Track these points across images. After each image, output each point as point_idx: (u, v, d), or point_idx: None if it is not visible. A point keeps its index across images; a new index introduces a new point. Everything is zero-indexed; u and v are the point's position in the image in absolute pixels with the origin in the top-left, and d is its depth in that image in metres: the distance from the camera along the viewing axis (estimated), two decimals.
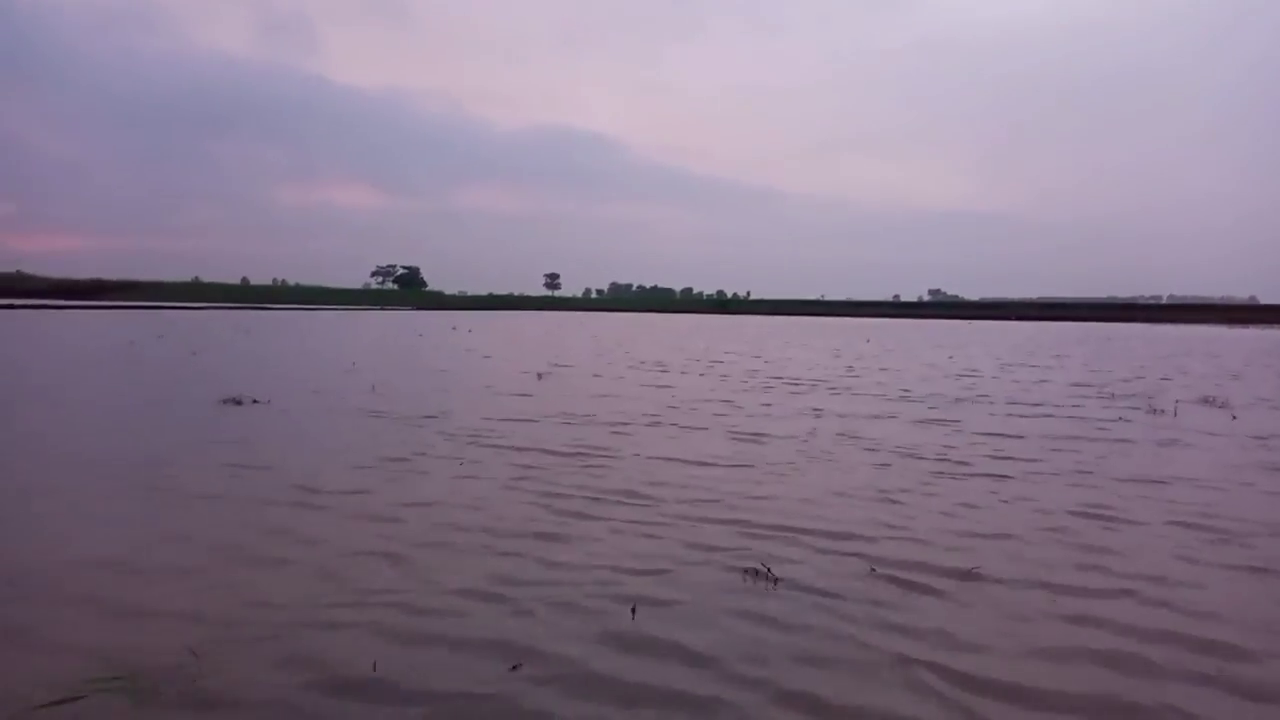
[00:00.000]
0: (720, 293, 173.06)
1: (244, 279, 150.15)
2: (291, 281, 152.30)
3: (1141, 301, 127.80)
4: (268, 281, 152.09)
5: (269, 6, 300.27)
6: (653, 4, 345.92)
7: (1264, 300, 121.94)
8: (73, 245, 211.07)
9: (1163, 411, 13.16)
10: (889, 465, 8.21)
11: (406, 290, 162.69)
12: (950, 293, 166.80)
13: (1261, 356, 30.73)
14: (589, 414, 11.60)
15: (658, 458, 8.36)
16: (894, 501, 6.72)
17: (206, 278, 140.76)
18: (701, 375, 18.53)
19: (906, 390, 15.87)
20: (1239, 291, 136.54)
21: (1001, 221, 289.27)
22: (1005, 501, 6.81)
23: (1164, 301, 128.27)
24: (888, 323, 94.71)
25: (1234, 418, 12.73)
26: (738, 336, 44.03)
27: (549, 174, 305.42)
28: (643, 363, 21.99)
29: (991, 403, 14.06)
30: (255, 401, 12.43)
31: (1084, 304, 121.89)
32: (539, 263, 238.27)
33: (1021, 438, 10.05)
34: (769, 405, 13.02)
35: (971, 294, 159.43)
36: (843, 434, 10.16)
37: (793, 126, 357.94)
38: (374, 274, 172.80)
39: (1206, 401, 14.91)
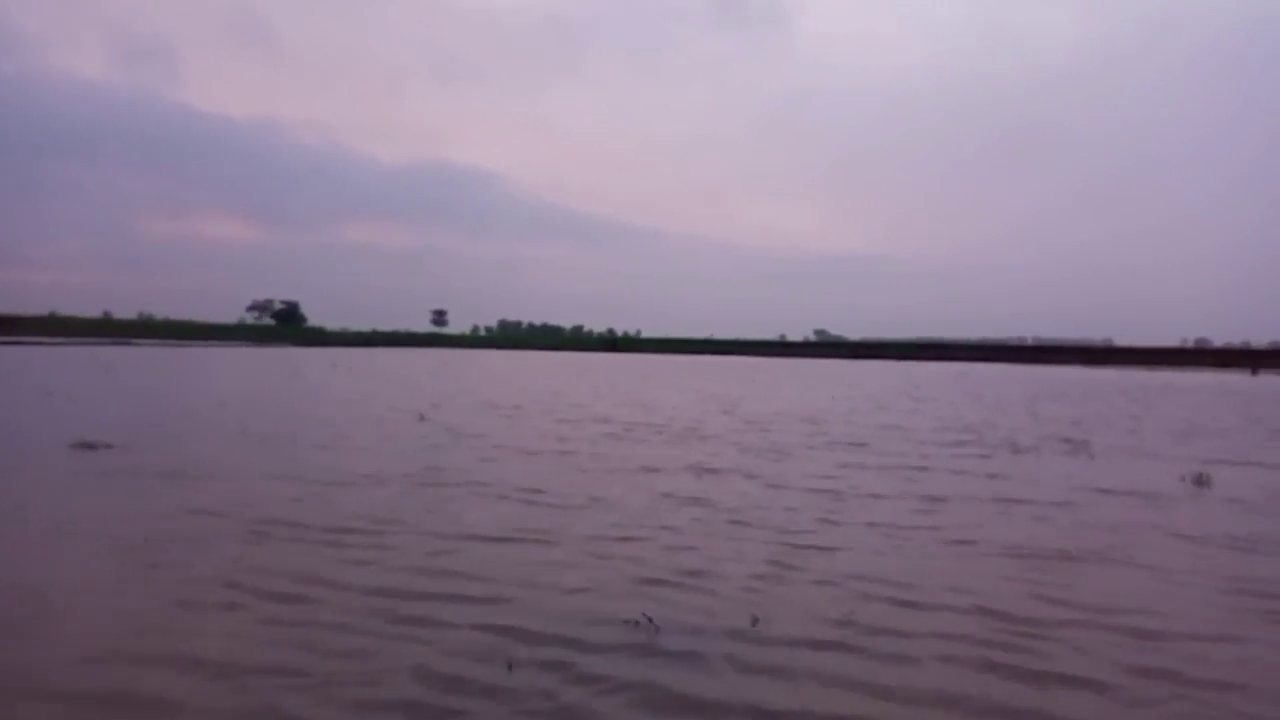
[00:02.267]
0: (610, 331, 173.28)
1: (106, 313, 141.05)
2: (159, 316, 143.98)
3: (1009, 343, 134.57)
4: (133, 316, 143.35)
5: (127, 32, 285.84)
6: (530, 40, 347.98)
7: (1120, 342, 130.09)
8: None
9: (1026, 450, 13.40)
10: (685, 537, 7.51)
11: (285, 326, 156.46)
12: (834, 333, 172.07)
13: (1118, 397, 32.08)
14: (422, 470, 10.61)
15: (451, 534, 7.43)
16: (655, 582, 6.00)
17: (65, 311, 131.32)
18: (559, 421, 17.72)
19: (765, 435, 15.47)
20: (1095, 335, 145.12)
21: (881, 264, 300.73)
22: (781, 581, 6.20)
23: (1029, 343, 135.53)
24: (776, 362, 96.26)
25: (1092, 458, 13.08)
26: (618, 376, 43.37)
27: (432, 209, 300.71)
28: (508, 406, 21.01)
29: (852, 448, 13.80)
30: (109, 446, 11.77)
31: (958, 345, 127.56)
32: (425, 299, 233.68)
33: (839, 494, 9.57)
34: (605, 456, 12.33)
35: (854, 334, 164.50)
36: (663, 494, 9.46)
37: (676, 167, 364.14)
38: (250, 308, 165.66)
39: (1068, 442, 15.46)
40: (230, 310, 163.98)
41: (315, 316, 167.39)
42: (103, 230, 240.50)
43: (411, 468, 10.92)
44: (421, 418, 17.70)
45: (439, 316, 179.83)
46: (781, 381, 42.90)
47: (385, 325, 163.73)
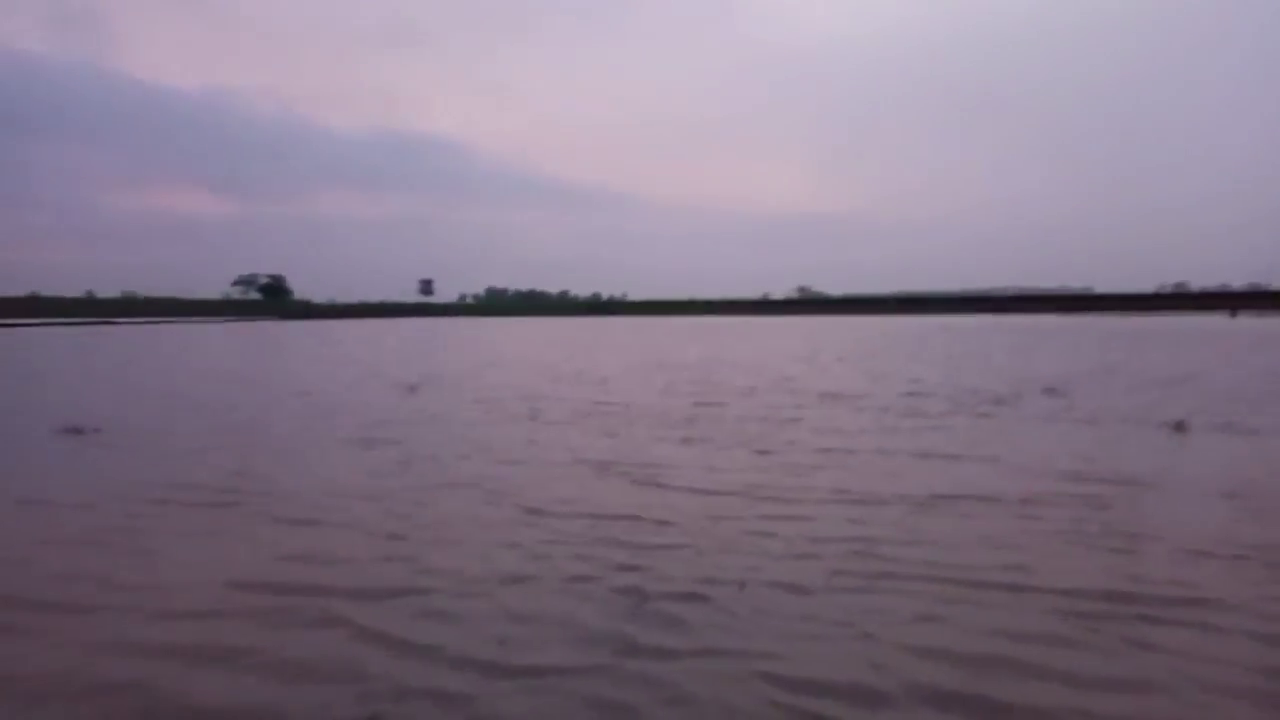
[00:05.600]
0: (596, 295, 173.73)
1: (89, 292, 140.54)
2: (142, 293, 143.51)
3: (990, 294, 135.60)
4: (116, 294, 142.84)
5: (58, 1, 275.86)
6: (479, 5, 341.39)
7: (1099, 290, 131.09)
8: None
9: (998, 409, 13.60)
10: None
11: (272, 300, 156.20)
12: (817, 290, 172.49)
13: (1099, 346, 32.81)
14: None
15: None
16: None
17: (47, 292, 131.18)
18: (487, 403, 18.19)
19: (712, 407, 15.97)
20: (1074, 282, 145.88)
21: (860, 221, 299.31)
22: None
23: (1009, 293, 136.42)
24: (760, 320, 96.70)
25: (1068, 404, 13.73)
26: (597, 340, 43.84)
27: (403, 177, 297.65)
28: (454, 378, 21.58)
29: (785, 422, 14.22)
30: (98, 430, 11.91)
31: (939, 298, 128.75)
32: (411, 269, 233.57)
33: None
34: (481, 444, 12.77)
35: (836, 290, 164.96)
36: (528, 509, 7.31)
37: (645, 130, 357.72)
38: (235, 283, 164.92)
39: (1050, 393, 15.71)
40: (214, 285, 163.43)
41: (301, 289, 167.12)
42: (68, 207, 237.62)
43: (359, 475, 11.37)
44: (410, 389, 17.96)
45: (426, 286, 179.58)
46: (759, 340, 43.53)
47: (372, 296, 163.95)
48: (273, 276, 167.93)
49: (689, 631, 4.61)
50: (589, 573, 5.56)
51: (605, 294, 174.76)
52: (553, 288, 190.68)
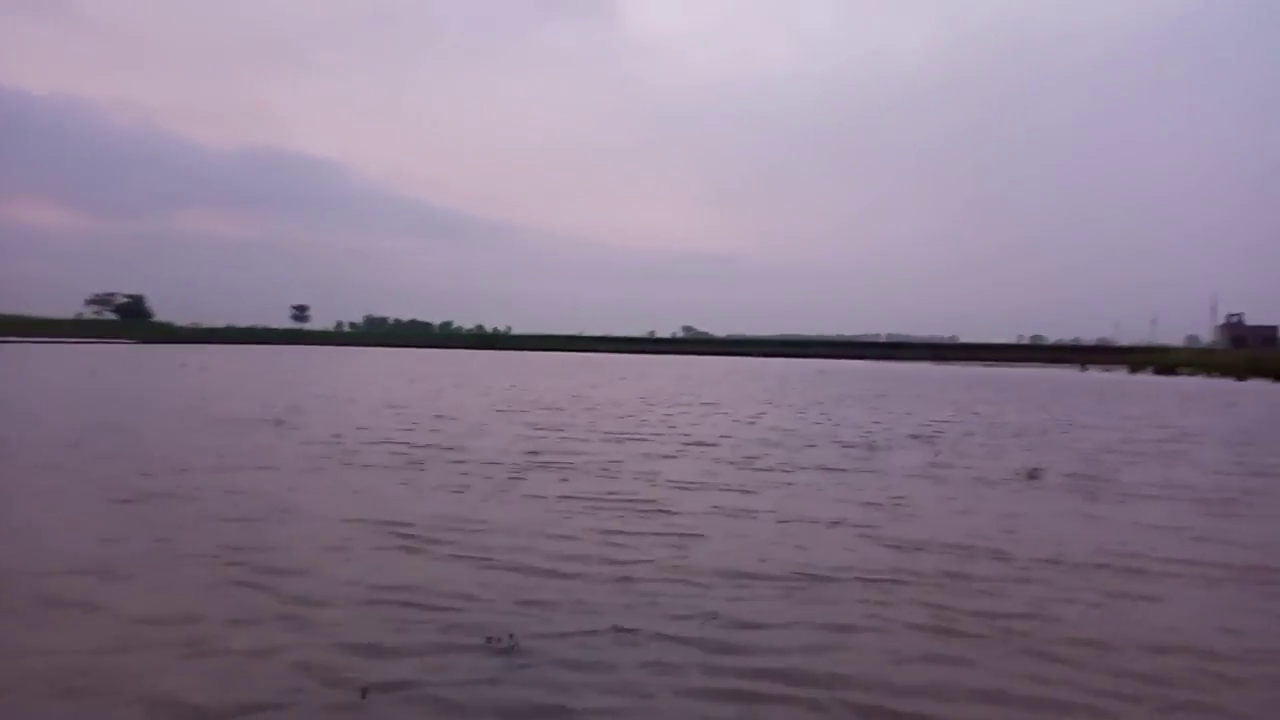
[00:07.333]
0: (480, 327, 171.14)
1: None
2: None
3: (864, 339, 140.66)
4: None
5: None
6: (361, 23, 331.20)
7: (964, 339, 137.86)
8: None
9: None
10: None
11: (130, 321, 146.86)
12: (701, 329, 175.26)
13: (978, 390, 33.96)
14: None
15: None
16: None
17: None
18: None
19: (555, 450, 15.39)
20: (943, 330, 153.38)
21: (743, 263, 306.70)
22: None
23: (883, 339, 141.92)
24: (645, 358, 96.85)
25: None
26: (468, 373, 42.70)
27: (272, 198, 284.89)
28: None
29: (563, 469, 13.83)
30: None
31: (818, 341, 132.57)
32: (284, 293, 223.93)
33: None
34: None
35: (720, 331, 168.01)
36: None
37: (529, 162, 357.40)
38: (89, 302, 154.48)
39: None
40: (67, 304, 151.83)
41: (163, 311, 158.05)
42: None
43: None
44: (277, 423, 17.16)
45: (300, 312, 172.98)
46: (637, 379, 43.31)
47: (241, 320, 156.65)
48: (131, 296, 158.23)
49: None
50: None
51: (490, 326, 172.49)
52: (435, 318, 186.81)
